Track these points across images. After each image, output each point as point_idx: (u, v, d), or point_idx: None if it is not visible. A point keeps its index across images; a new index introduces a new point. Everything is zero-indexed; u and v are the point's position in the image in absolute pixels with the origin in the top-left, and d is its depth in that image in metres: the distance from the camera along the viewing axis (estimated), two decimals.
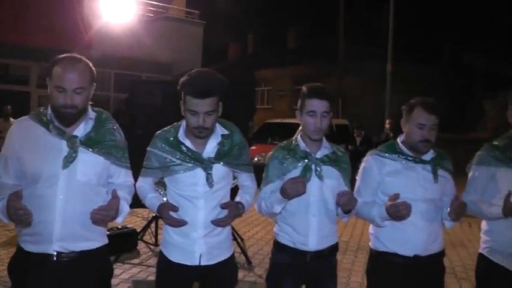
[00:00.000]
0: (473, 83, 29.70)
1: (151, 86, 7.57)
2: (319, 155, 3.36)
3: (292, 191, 3.11)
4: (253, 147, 13.86)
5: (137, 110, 7.07)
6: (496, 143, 3.55)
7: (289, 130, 17.13)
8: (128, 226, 7.99)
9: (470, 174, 3.60)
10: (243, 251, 7.25)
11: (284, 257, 3.39)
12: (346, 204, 3.16)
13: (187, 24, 19.56)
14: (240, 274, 6.60)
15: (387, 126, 13.36)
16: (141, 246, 7.49)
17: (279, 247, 3.44)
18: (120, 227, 7.76)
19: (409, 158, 3.37)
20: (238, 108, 6.96)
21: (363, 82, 25.20)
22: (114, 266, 6.67)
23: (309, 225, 3.31)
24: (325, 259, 3.39)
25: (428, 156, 3.40)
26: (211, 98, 3.03)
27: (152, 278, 5.76)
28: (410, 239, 3.32)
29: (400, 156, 3.39)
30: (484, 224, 3.61)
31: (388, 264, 3.40)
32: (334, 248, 3.46)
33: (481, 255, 3.58)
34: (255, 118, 22.95)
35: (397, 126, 13.12)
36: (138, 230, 7.69)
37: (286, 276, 3.37)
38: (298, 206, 3.31)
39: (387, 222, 3.32)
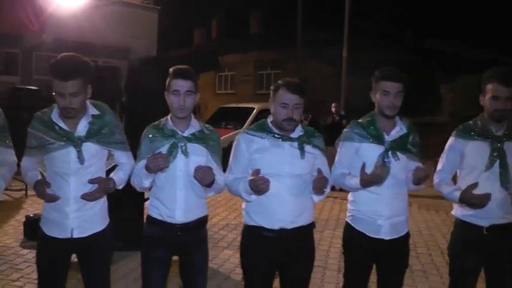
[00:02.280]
0: (433, 68, 30.02)
1: None
2: (186, 133, 3.53)
3: (154, 166, 3.32)
4: None
5: None
6: (360, 120, 3.77)
7: (243, 114, 17.32)
8: None
9: (337, 150, 3.82)
10: None
11: (154, 229, 3.58)
12: (202, 178, 3.34)
13: (142, 9, 19.49)
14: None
15: (333, 109, 13.55)
16: None
17: (149, 220, 3.63)
18: None
19: (276, 136, 3.53)
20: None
21: (323, 67, 25.37)
22: None
23: (175, 198, 3.50)
24: (193, 232, 3.57)
25: (296, 134, 3.57)
26: (74, 80, 3.23)
27: None
28: (276, 212, 3.48)
29: (268, 134, 3.55)
30: (349, 195, 3.85)
31: (257, 238, 3.56)
32: (201, 221, 3.64)
33: (346, 223, 3.84)
34: (217, 103, 23.13)
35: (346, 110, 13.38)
36: None
37: (157, 248, 3.56)
38: (165, 180, 3.51)
39: (254, 197, 3.47)
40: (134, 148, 3.68)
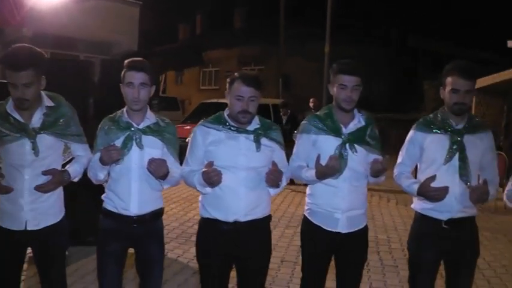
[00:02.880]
0: (417, 64, 30.20)
1: (56, 64, 7.57)
2: (141, 125, 3.52)
3: (107, 158, 3.32)
4: (188, 127, 13.92)
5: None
6: (318, 113, 3.77)
7: (224, 109, 17.29)
8: None
9: (296, 142, 3.80)
10: None
11: (109, 222, 3.56)
12: (155, 171, 3.34)
13: (123, 4, 19.43)
14: None
15: (311, 104, 13.55)
16: None
17: (104, 213, 3.60)
18: None
19: (232, 128, 3.52)
20: None
21: (307, 63, 25.40)
22: None
23: (130, 191, 3.49)
24: (149, 224, 3.57)
25: (252, 126, 3.54)
26: (26, 70, 3.21)
27: None
28: (230, 205, 3.46)
29: (224, 126, 3.53)
30: (307, 188, 3.83)
31: (212, 231, 3.55)
32: (157, 213, 3.64)
33: (304, 217, 3.83)
34: (201, 99, 23.07)
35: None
36: None
37: (112, 240, 3.54)
38: (120, 173, 3.50)
39: (209, 189, 3.45)
40: None
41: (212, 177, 3.29)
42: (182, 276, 5.75)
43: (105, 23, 17.75)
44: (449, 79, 3.62)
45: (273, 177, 3.41)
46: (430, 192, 3.56)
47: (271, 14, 28.00)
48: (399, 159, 3.87)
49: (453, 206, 3.62)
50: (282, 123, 12.57)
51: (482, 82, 15.70)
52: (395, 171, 3.86)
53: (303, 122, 3.77)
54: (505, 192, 3.85)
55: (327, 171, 3.45)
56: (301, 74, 25.21)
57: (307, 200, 3.80)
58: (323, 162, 3.46)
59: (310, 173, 3.57)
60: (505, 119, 16.93)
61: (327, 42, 19.88)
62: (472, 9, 32.57)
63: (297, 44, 24.93)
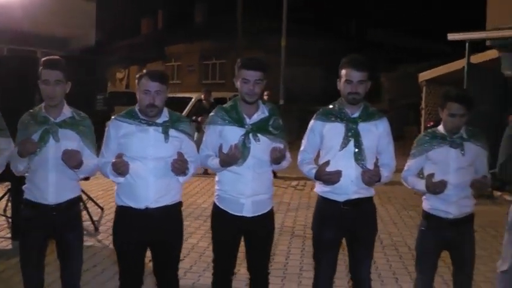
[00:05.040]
0: (376, 57, 30.69)
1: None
2: (58, 119, 3.82)
3: (23, 151, 3.62)
4: None
5: None
6: (224, 105, 4.08)
7: (182, 104, 17.37)
8: None
9: (204, 133, 4.13)
10: (91, 219, 7.78)
11: (30, 211, 3.86)
12: (68, 160, 3.64)
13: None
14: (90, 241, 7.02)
15: (266, 97, 13.78)
16: None
17: (25, 203, 3.89)
18: None
19: (142, 121, 3.82)
20: (87, 83, 7.40)
21: (266, 56, 25.62)
22: None
23: (47, 181, 3.79)
24: (66, 212, 3.86)
25: (161, 119, 3.86)
26: None
27: None
28: (141, 193, 3.77)
29: (135, 120, 3.83)
30: (216, 176, 4.14)
31: (126, 218, 3.87)
32: (74, 202, 3.95)
33: (213, 203, 4.14)
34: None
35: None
36: None
37: (33, 229, 3.83)
38: (38, 164, 3.79)
39: (121, 178, 3.76)
40: None
41: (120, 168, 3.61)
42: None
43: (61, 18, 17.72)
44: (343, 71, 3.98)
45: (178, 165, 3.71)
46: (325, 176, 3.92)
47: (231, 9, 28.22)
48: (302, 147, 4.21)
49: (349, 188, 3.96)
50: None
51: (432, 73, 16.28)
52: (299, 158, 4.19)
53: (211, 114, 4.08)
54: (401, 174, 4.25)
55: (229, 159, 3.77)
56: None
57: (215, 186, 4.11)
58: (227, 151, 3.77)
59: (216, 162, 3.89)
60: None
61: (283, 36, 20.18)
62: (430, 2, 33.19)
63: (256, 37, 25.19)
